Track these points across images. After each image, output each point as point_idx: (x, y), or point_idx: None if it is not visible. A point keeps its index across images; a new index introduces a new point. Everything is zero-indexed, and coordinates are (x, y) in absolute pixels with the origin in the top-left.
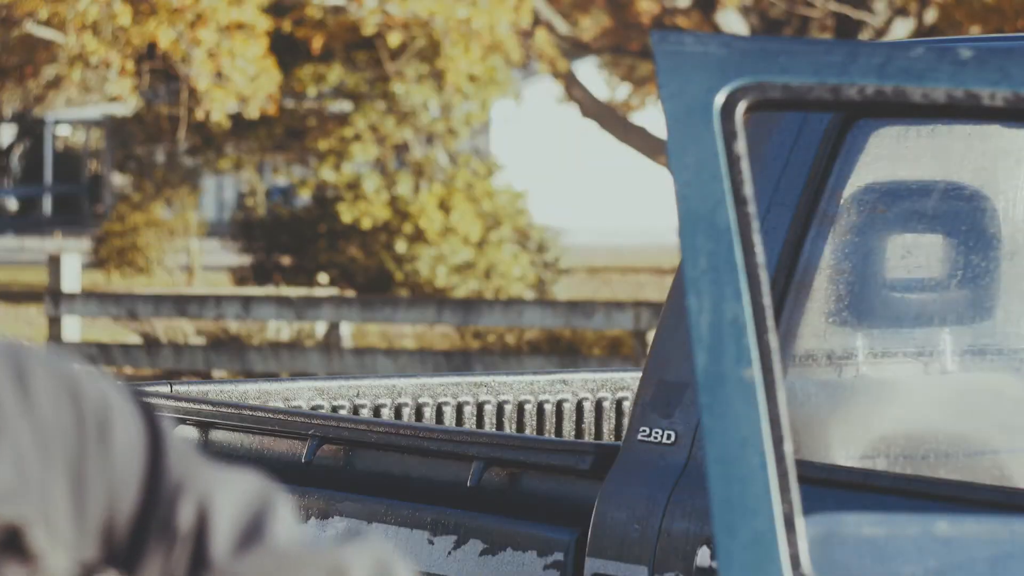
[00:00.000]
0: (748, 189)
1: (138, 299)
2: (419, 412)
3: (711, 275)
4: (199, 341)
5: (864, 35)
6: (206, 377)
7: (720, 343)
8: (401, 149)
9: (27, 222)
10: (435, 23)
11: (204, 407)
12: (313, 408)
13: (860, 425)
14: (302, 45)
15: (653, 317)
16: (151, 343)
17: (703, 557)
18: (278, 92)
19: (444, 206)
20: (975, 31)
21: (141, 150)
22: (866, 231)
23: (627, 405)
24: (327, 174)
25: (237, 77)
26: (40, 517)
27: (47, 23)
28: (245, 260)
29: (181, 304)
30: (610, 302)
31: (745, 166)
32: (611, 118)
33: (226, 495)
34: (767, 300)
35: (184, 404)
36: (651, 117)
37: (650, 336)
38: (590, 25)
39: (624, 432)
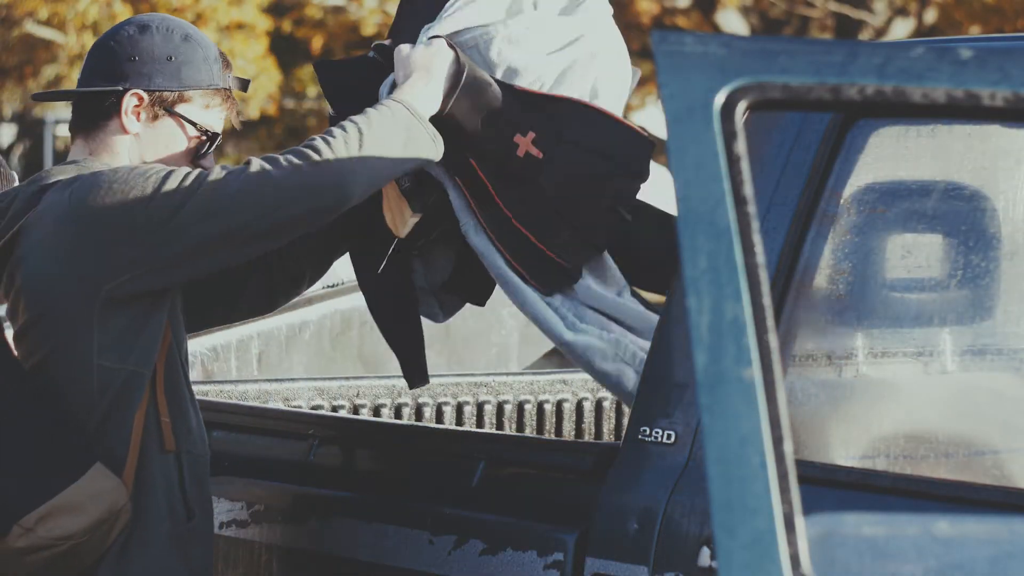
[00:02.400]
0: (748, 189)
1: None
2: (419, 412)
3: (711, 275)
4: None
5: (864, 35)
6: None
7: (720, 343)
8: None
9: None
10: None
11: (204, 408)
12: (313, 408)
13: (860, 425)
14: (302, 45)
15: None
16: None
17: (703, 557)
18: (278, 92)
19: None
20: (975, 31)
21: None
22: (866, 231)
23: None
24: None
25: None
26: None
27: (47, 23)
28: None
29: None
30: None
31: (745, 166)
32: None
33: None
34: (767, 300)
35: None
36: (651, 117)
37: None
38: None
39: (624, 432)
